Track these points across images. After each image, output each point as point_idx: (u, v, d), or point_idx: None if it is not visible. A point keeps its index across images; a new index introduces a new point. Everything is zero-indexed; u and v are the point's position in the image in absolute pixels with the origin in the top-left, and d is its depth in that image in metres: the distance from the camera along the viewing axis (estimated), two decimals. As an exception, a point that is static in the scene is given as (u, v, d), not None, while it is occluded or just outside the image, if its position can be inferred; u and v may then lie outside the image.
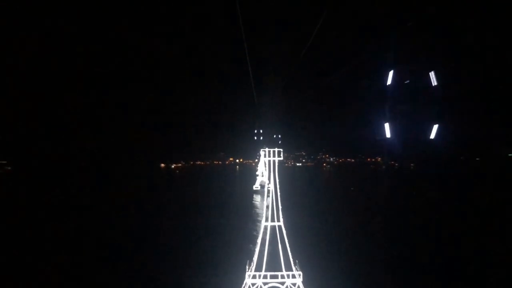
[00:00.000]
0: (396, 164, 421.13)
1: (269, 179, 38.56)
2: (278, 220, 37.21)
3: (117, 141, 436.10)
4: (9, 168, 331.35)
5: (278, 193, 38.08)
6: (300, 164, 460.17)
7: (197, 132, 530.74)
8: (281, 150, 37.61)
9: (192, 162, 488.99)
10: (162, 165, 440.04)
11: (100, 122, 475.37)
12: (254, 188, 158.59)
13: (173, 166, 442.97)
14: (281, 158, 38.15)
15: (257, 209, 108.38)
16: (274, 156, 36.91)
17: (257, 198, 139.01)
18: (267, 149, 37.29)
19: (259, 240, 36.91)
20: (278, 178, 38.40)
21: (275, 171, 38.79)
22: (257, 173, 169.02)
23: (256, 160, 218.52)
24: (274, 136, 37.32)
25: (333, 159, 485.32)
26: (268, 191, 36.85)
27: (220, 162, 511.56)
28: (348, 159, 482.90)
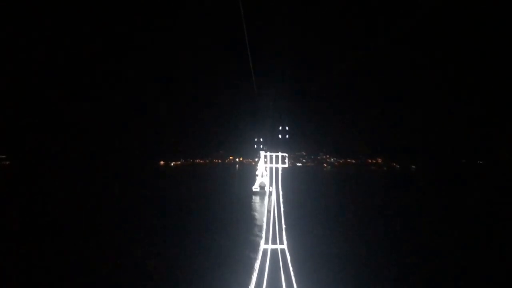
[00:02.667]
0: (397, 166, 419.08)
1: (270, 186, 31.74)
2: (281, 242, 29.77)
3: (115, 138, 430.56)
4: (8, 162, 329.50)
5: (282, 209, 30.85)
6: (300, 164, 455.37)
7: (197, 130, 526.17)
8: (286, 155, 30.93)
9: (191, 160, 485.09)
10: (162, 162, 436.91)
11: (99, 119, 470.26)
12: (253, 189, 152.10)
13: (172, 164, 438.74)
14: (286, 166, 31.25)
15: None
16: (277, 162, 30.17)
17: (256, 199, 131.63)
18: (268, 154, 30.55)
19: (256, 266, 29.37)
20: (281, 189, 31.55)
21: (278, 182, 31.76)
22: (256, 173, 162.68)
23: (256, 159, 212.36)
24: (280, 128, 31.12)
25: (333, 159, 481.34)
26: (270, 193, 30.68)
27: (219, 161, 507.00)
28: (349, 160, 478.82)
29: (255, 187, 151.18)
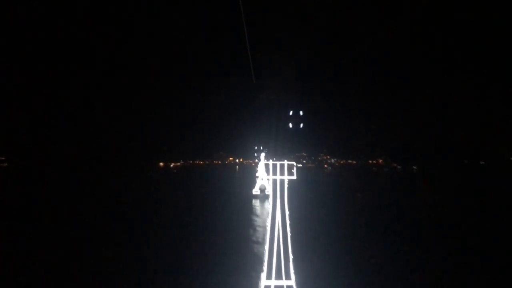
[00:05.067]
0: (399, 167, 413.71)
1: (274, 211, 25.49)
2: (288, 277, 23.07)
3: (114, 139, 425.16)
4: (5, 164, 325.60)
5: (288, 233, 24.49)
6: (301, 165, 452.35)
7: (196, 131, 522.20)
8: (294, 163, 25.17)
9: (191, 161, 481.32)
10: (161, 164, 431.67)
11: (97, 119, 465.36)
12: (253, 192, 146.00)
13: (172, 165, 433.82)
14: (294, 177, 25.11)
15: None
16: (282, 172, 24.30)
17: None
18: (271, 162, 24.85)
19: None
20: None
21: (283, 199, 25.40)
22: (257, 174, 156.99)
23: (257, 160, 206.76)
24: (290, 113, 25.31)
25: (334, 160, 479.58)
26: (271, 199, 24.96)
27: (219, 162, 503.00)
28: (350, 161, 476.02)
29: (255, 190, 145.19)
